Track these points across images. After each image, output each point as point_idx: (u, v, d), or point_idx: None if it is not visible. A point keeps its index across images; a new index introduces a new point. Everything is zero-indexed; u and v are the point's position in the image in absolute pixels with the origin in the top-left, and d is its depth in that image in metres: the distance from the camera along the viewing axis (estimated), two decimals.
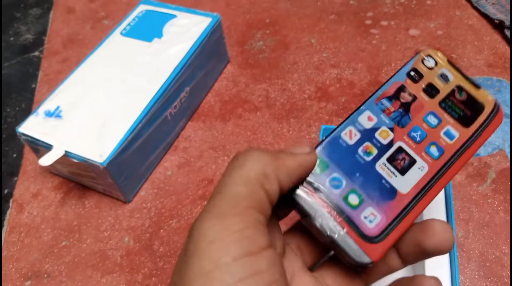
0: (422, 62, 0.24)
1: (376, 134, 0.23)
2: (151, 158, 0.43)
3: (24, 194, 0.44)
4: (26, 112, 0.52)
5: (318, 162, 0.22)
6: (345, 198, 0.22)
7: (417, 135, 0.23)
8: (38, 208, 0.43)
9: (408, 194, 0.22)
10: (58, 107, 0.41)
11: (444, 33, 0.52)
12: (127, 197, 0.41)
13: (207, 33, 0.46)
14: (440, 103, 0.24)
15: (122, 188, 0.40)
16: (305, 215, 0.22)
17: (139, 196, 0.43)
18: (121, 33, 0.47)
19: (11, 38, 0.61)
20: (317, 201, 0.22)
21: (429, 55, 0.24)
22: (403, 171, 0.23)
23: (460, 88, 0.24)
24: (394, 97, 0.24)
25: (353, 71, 0.50)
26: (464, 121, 0.23)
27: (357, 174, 0.22)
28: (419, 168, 0.23)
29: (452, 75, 0.24)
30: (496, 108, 0.24)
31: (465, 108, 0.24)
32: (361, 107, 0.24)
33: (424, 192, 0.22)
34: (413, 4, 0.56)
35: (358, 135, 0.23)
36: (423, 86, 0.24)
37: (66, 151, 0.38)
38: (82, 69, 0.44)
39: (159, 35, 0.47)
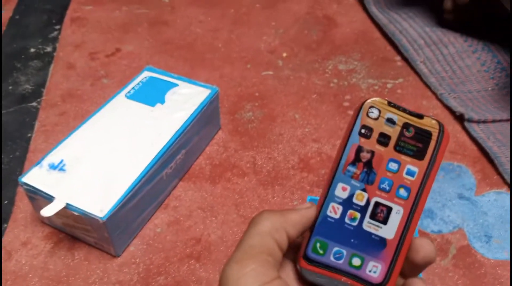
0: (368, 115, 0.26)
1: (354, 200, 0.26)
2: (143, 214, 0.45)
3: (13, 242, 0.45)
4: (20, 160, 0.53)
5: (318, 244, 0.26)
6: (350, 263, 0.26)
7: (385, 185, 0.26)
8: (27, 257, 0.44)
9: (394, 237, 0.26)
10: (62, 161, 0.43)
11: None
12: (117, 251, 0.43)
13: (206, 103, 0.51)
14: (395, 148, 0.26)
15: (115, 242, 0.42)
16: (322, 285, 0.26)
17: (128, 251, 0.45)
18: (126, 96, 0.51)
19: (10, 87, 0.64)
20: (328, 275, 0.26)
21: (372, 106, 0.26)
22: (384, 221, 0.26)
23: (406, 126, 0.26)
24: (356, 160, 0.27)
25: (333, 147, 0.56)
26: (419, 154, 0.26)
27: (352, 240, 0.26)
28: (396, 213, 0.26)
29: (396, 116, 0.26)
30: (441, 129, 0.26)
31: (416, 142, 0.26)
32: (333, 182, 0.27)
33: (406, 229, 0.26)
34: (386, 92, 0.64)
35: (341, 208, 0.26)
36: (376, 138, 0.26)
37: (67, 204, 0.40)
38: (87, 126, 0.47)
39: (162, 101, 0.51)
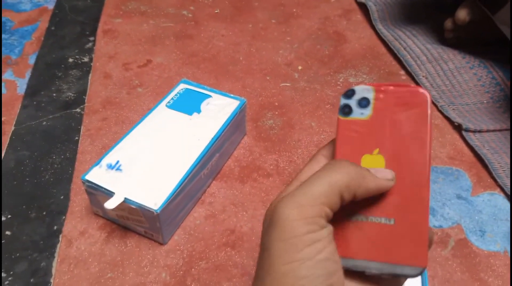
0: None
1: None
2: (185, 208, 0.53)
3: (72, 231, 0.52)
4: (70, 160, 0.60)
5: None
6: None
7: None
8: (85, 244, 0.51)
9: None
10: (118, 162, 0.51)
11: None
12: (165, 240, 0.50)
13: (236, 112, 0.58)
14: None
15: (164, 232, 0.49)
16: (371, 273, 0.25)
17: (173, 240, 0.52)
18: (166, 105, 0.58)
19: (54, 94, 0.71)
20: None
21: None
22: None
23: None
24: None
25: None
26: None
27: None
28: None
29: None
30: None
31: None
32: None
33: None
34: None
35: None
36: None
37: (125, 198, 0.47)
38: (136, 131, 0.54)
39: (198, 110, 0.58)
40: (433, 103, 0.70)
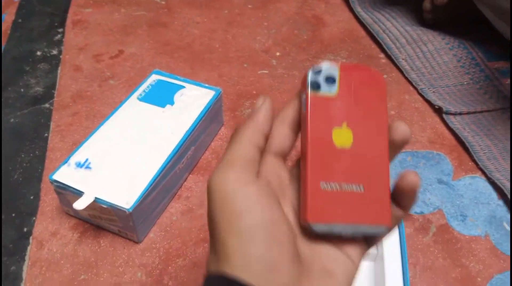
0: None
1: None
2: (161, 205, 0.51)
3: (43, 233, 0.50)
4: (40, 158, 0.58)
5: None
6: None
7: None
8: (57, 246, 0.49)
9: None
10: (87, 160, 0.48)
11: (396, 113, 0.65)
12: (140, 238, 0.49)
13: (211, 103, 0.56)
14: None
15: (138, 230, 0.47)
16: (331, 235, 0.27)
17: (149, 238, 0.50)
18: (138, 98, 0.56)
19: (22, 89, 0.68)
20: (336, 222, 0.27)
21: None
22: None
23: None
24: None
25: None
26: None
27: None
28: None
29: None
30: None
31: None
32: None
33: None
34: None
35: None
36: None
37: (96, 198, 0.45)
38: (105, 127, 0.52)
39: (171, 102, 0.56)
40: (413, 86, 0.69)
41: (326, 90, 0.28)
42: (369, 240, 0.29)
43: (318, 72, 0.28)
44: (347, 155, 0.28)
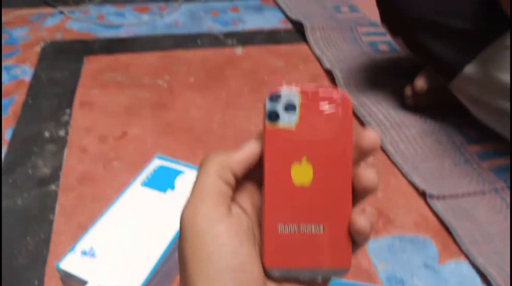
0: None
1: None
2: None
3: None
4: (45, 242, 0.61)
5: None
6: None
7: None
8: None
9: None
10: (92, 248, 0.51)
11: (383, 196, 0.69)
12: None
13: None
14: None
15: None
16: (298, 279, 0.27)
17: None
18: (141, 184, 0.60)
19: (30, 171, 0.71)
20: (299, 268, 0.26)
21: None
22: None
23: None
24: None
25: None
26: None
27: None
28: None
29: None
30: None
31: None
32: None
33: None
34: None
35: None
36: None
37: None
38: (110, 213, 0.55)
39: (172, 187, 0.60)
40: (398, 169, 0.74)
41: (285, 121, 0.26)
42: (327, 279, 0.28)
43: (277, 98, 0.26)
44: (306, 194, 0.26)
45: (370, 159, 0.27)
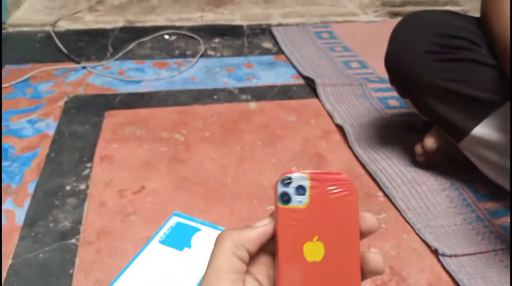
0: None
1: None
2: None
3: None
4: None
5: None
6: None
7: None
8: None
9: None
10: None
11: (395, 254, 0.70)
12: None
13: None
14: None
15: None
16: None
17: None
18: (159, 241, 0.62)
19: (51, 224, 0.74)
20: None
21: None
22: None
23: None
24: None
25: None
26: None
27: None
28: None
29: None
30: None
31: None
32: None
33: None
34: None
35: None
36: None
37: None
38: (129, 272, 0.57)
39: (188, 245, 0.62)
40: (410, 225, 0.75)
41: (296, 202, 0.28)
42: None
43: (288, 183, 0.28)
44: (318, 269, 0.28)
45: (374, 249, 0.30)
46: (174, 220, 0.66)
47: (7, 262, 0.67)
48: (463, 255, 0.68)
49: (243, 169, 0.88)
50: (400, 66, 0.78)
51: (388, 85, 1.10)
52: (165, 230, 0.64)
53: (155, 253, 0.60)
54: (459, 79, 0.73)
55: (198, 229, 0.64)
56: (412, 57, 0.77)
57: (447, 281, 0.66)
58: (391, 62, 0.81)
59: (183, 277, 0.57)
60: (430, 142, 0.79)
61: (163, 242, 0.62)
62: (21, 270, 0.65)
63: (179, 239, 0.62)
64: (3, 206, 0.77)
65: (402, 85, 0.80)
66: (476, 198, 0.79)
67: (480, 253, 0.68)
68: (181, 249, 0.61)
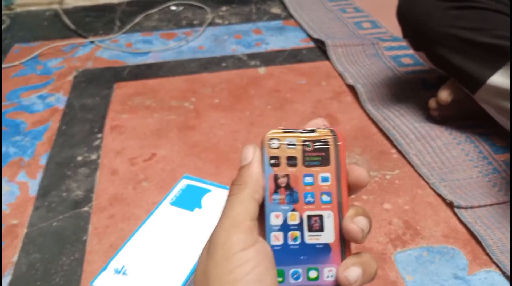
0: (270, 147, 0.30)
1: (289, 222, 0.29)
2: None
3: None
4: (79, 261, 0.63)
5: (277, 277, 0.28)
6: (308, 278, 0.29)
7: (309, 198, 0.29)
8: None
9: (335, 239, 0.29)
10: (123, 266, 0.53)
11: (410, 208, 0.69)
12: None
13: None
14: (304, 164, 0.30)
15: None
16: None
17: None
18: (170, 203, 0.62)
19: (64, 194, 0.75)
20: None
21: (271, 139, 0.30)
22: (321, 228, 0.29)
23: (305, 143, 0.30)
24: (277, 188, 0.30)
25: None
26: (325, 161, 0.30)
27: (301, 257, 0.29)
28: (328, 217, 0.29)
29: (294, 138, 0.30)
30: (334, 134, 0.30)
31: (319, 153, 0.30)
32: (266, 214, 0.29)
33: (341, 227, 0.29)
34: (385, 183, 0.74)
35: (281, 234, 0.29)
36: (286, 163, 0.30)
37: None
38: (140, 232, 0.57)
39: (199, 205, 0.61)
40: (424, 180, 0.73)
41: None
42: None
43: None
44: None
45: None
46: (184, 183, 0.66)
47: (22, 231, 0.68)
48: (479, 206, 0.66)
49: (253, 133, 0.87)
50: (412, 17, 0.75)
51: (402, 43, 1.07)
52: (175, 192, 0.64)
53: (166, 214, 0.60)
54: (474, 27, 0.70)
55: (208, 190, 0.64)
56: (424, 5, 0.74)
57: (462, 232, 0.64)
58: (403, 13, 0.78)
59: (195, 236, 0.57)
60: (444, 94, 0.77)
61: (173, 203, 0.62)
62: (36, 239, 0.67)
63: (190, 200, 0.62)
64: (17, 179, 0.78)
65: (416, 37, 0.77)
66: (492, 150, 0.76)
67: (496, 204, 0.67)
68: (191, 209, 0.61)
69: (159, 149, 0.84)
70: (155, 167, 0.80)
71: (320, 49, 1.15)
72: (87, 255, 0.64)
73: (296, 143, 0.30)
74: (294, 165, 0.30)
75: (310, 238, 0.29)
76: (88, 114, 0.95)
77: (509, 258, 0.59)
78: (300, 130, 0.30)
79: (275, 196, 0.30)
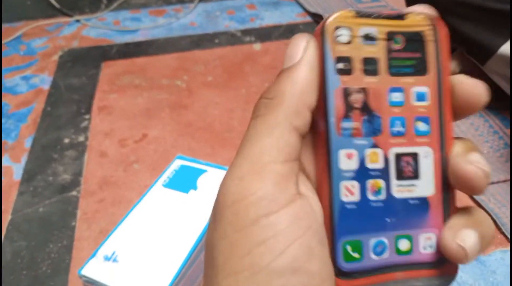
0: (337, 41, 0.18)
1: (368, 165, 0.19)
2: None
3: None
4: (67, 248, 0.59)
5: (349, 248, 0.19)
6: (398, 251, 0.19)
7: (398, 127, 0.19)
8: None
9: (436, 190, 0.19)
10: (114, 252, 0.49)
11: None
12: None
13: None
14: (389, 71, 0.19)
15: None
16: None
17: None
18: (162, 185, 0.57)
19: (50, 178, 0.70)
20: (378, 280, 0.19)
21: (338, 27, 0.18)
22: (416, 174, 0.19)
23: (391, 36, 0.19)
24: (348, 110, 0.19)
25: None
26: (421, 67, 0.19)
27: (388, 219, 0.19)
28: (425, 157, 0.19)
29: (373, 27, 0.19)
30: (433, 23, 0.19)
31: (412, 53, 0.19)
32: (331, 153, 0.18)
33: (445, 172, 0.19)
34: None
35: (356, 183, 0.19)
36: (361, 68, 0.19)
37: None
38: (131, 216, 0.53)
39: (194, 187, 0.57)
40: None
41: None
42: None
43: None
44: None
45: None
46: (177, 163, 0.61)
47: (6, 218, 0.63)
48: (492, 183, 0.63)
49: (249, 111, 0.82)
50: None
51: None
52: (168, 173, 0.59)
53: (159, 197, 0.56)
54: None
55: (204, 171, 0.60)
56: None
57: None
58: None
59: (190, 220, 0.52)
60: (452, 65, 0.73)
61: (166, 185, 0.58)
62: (21, 225, 0.62)
63: (184, 181, 0.58)
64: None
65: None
66: (503, 124, 0.72)
67: (510, 180, 0.63)
68: (186, 191, 0.57)
69: (150, 130, 0.79)
70: (147, 148, 0.75)
71: (317, 24, 1.10)
72: (76, 241, 0.60)
73: (377, 36, 0.19)
74: (374, 72, 0.19)
75: (400, 189, 0.19)
76: (75, 95, 0.90)
77: None
78: (382, 14, 0.19)
79: (345, 124, 0.18)
